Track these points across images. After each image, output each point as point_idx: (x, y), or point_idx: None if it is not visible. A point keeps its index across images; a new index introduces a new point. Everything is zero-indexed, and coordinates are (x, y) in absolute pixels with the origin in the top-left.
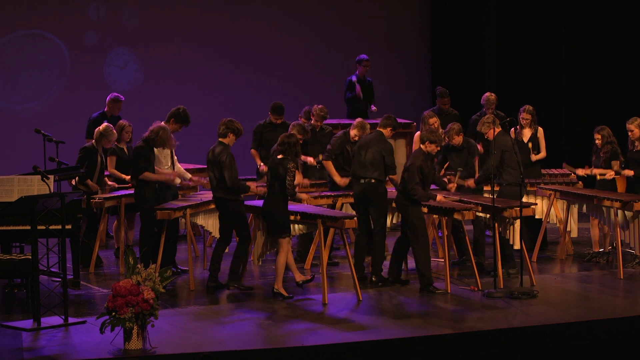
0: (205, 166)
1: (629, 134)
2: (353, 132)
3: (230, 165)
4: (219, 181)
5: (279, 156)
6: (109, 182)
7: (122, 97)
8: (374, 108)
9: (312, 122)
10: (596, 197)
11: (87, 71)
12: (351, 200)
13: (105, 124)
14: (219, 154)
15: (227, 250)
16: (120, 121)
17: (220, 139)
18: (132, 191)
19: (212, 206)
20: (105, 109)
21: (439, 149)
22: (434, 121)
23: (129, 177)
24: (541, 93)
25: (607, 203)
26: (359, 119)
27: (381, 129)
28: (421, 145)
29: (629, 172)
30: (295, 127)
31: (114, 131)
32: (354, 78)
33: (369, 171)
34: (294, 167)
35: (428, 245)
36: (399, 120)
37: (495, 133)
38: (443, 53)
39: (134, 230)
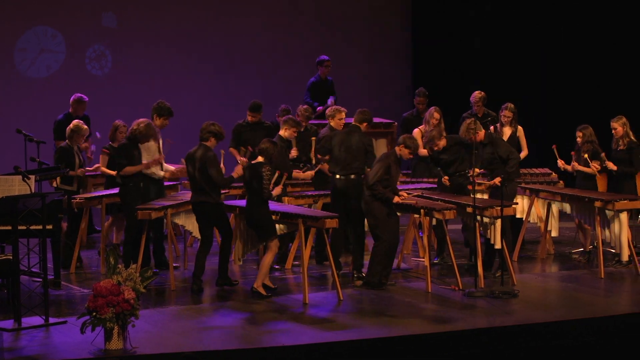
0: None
1: (613, 132)
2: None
3: (215, 164)
4: (201, 184)
5: (256, 160)
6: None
7: (85, 97)
8: (319, 109)
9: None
10: (577, 196)
11: (67, 72)
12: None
13: (75, 121)
14: (202, 156)
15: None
16: (116, 121)
17: (202, 142)
18: (114, 190)
19: None
20: (70, 110)
21: (411, 156)
22: (438, 117)
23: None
24: (525, 92)
25: (588, 202)
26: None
27: (357, 124)
28: (396, 148)
29: (612, 166)
30: (287, 121)
31: (85, 126)
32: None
33: (348, 166)
34: (268, 169)
35: (393, 243)
36: (380, 120)
37: (482, 134)
38: (424, 52)
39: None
